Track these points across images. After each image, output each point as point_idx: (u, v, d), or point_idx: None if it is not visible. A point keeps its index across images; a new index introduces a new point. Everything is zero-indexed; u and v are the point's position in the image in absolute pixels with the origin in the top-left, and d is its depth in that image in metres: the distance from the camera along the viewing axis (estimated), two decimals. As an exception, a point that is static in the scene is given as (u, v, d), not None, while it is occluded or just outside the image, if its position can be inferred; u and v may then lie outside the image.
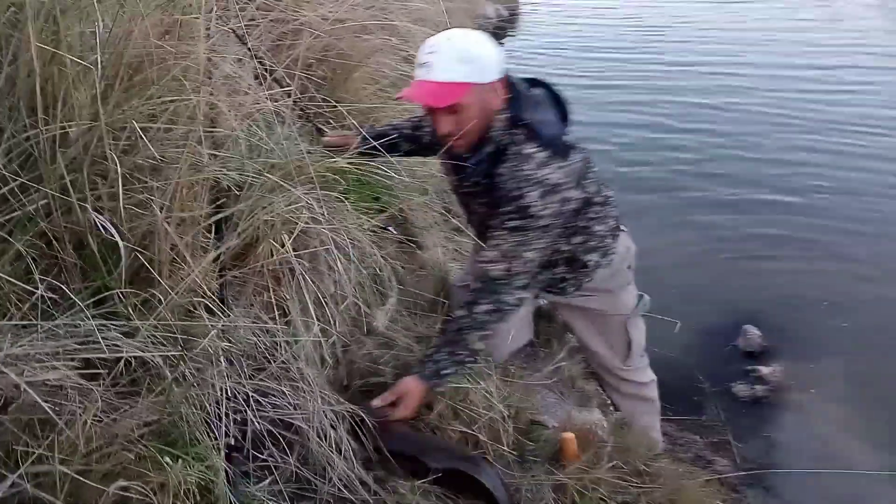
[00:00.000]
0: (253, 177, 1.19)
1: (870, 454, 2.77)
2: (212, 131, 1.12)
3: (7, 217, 0.99)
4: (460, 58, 1.58)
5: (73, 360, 0.94)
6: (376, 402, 1.55)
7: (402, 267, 1.87)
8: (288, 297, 1.46)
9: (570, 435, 1.63)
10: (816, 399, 3.11)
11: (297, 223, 1.38)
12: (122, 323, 1.03)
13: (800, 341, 3.49)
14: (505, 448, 1.57)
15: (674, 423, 2.81)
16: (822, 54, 8.29)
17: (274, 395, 1.33)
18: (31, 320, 0.94)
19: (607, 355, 2.12)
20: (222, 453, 1.16)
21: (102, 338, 0.99)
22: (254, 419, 1.24)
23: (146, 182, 1.03)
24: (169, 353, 0.98)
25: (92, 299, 1.03)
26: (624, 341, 2.10)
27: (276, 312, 1.45)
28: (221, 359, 1.11)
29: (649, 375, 2.24)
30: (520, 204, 1.61)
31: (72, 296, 0.91)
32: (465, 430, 1.56)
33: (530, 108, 1.67)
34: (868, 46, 8.55)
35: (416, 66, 1.64)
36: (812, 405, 3.07)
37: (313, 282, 1.50)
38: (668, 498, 1.40)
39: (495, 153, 1.66)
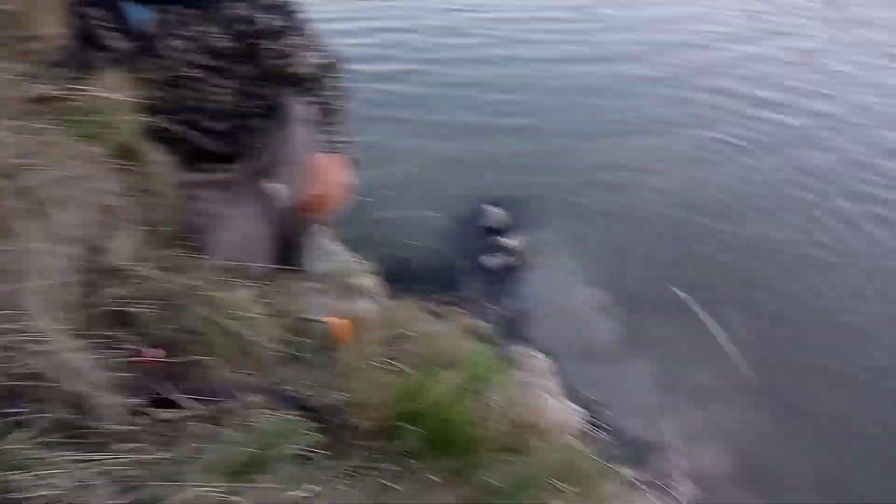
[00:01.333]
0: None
1: (594, 295, 3.35)
2: None
3: None
4: None
5: None
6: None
7: (135, 197, 1.79)
8: (11, 242, 1.35)
9: (340, 320, 1.75)
10: (551, 257, 3.64)
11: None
12: None
13: (536, 213, 4.01)
14: (277, 346, 1.64)
15: (439, 302, 3.11)
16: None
17: (15, 349, 1.25)
18: None
19: None
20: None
21: None
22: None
23: None
24: None
25: None
26: None
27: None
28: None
29: None
30: (268, 4, 1.67)
31: None
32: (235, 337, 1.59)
33: None
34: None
35: None
36: (548, 262, 3.60)
37: (38, 223, 1.39)
38: (425, 346, 1.60)
39: None
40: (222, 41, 1.70)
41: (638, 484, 1.44)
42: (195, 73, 1.74)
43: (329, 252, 2.40)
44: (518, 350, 2.63)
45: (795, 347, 3.01)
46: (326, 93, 1.77)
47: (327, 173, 1.73)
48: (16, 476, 1.13)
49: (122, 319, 1.62)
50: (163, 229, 1.85)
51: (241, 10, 1.67)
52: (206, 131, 1.84)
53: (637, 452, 1.90)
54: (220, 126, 1.85)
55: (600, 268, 3.51)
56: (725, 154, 4.68)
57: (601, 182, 4.30)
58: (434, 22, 6.86)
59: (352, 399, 1.45)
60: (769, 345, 2.96)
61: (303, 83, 1.81)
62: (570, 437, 1.61)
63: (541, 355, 2.57)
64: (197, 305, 1.64)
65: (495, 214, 3.90)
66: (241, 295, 1.71)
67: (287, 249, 2.04)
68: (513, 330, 3.00)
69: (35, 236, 1.42)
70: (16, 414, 1.23)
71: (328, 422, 1.45)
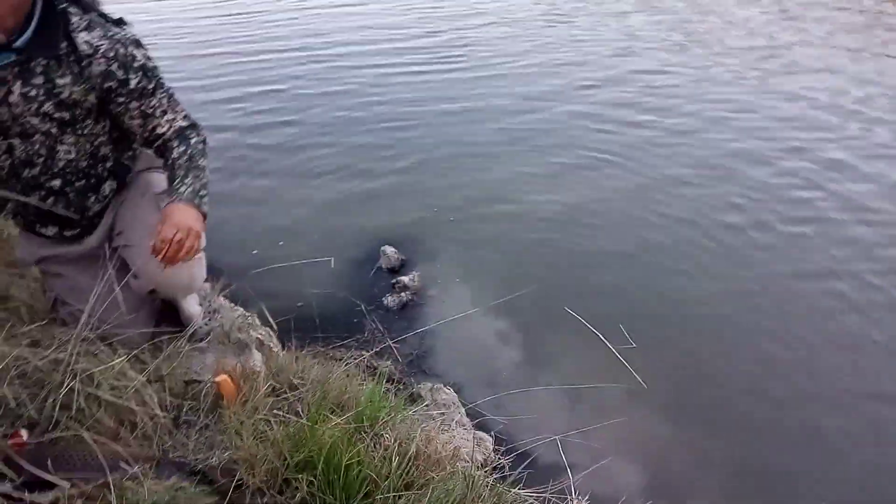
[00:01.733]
0: None
1: (492, 322, 3.41)
2: None
3: None
4: None
5: None
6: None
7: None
8: None
9: (222, 377, 1.70)
10: (447, 290, 3.70)
11: None
12: None
13: (428, 248, 4.07)
14: (160, 413, 1.57)
15: (342, 347, 3.06)
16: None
17: None
18: None
19: None
20: None
21: None
22: None
23: None
24: None
25: None
26: None
27: None
28: None
29: None
30: (137, 65, 1.66)
31: None
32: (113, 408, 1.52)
33: None
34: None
35: None
36: (445, 295, 3.65)
37: None
38: (317, 393, 1.58)
39: (49, 28, 1.57)
40: (74, 93, 1.62)
41: None
42: (42, 125, 1.64)
43: (215, 308, 2.33)
44: (423, 385, 2.63)
45: (684, 354, 3.18)
46: (182, 153, 1.72)
47: (168, 225, 1.60)
48: None
49: None
50: (20, 305, 1.75)
51: (99, 64, 1.62)
52: (51, 192, 1.74)
53: (539, 473, 1.93)
54: (66, 187, 1.75)
55: (494, 295, 3.58)
56: (598, 169, 4.97)
57: (485, 212, 4.43)
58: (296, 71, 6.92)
59: (241, 456, 1.41)
60: (660, 354, 3.11)
61: (158, 144, 1.76)
62: (472, 465, 1.62)
63: (446, 388, 2.58)
64: (67, 379, 1.55)
65: (391, 254, 3.92)
66: (116, 364, 1.64)
67: (162, 311, 1.97)
68: (417, 366, 3.01)
69: None
70: None
71: (219, 483, 1.40)
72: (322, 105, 6.11)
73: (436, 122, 5.76)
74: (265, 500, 1.35)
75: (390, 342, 3.12)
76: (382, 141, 5.42)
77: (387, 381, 2.48)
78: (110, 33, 1.63)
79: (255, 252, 3.94)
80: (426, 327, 3.34)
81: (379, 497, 1.28)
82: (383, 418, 1.49)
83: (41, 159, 1.69)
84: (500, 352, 3.15)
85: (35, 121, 1.62)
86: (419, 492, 1.31)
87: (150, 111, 1.72)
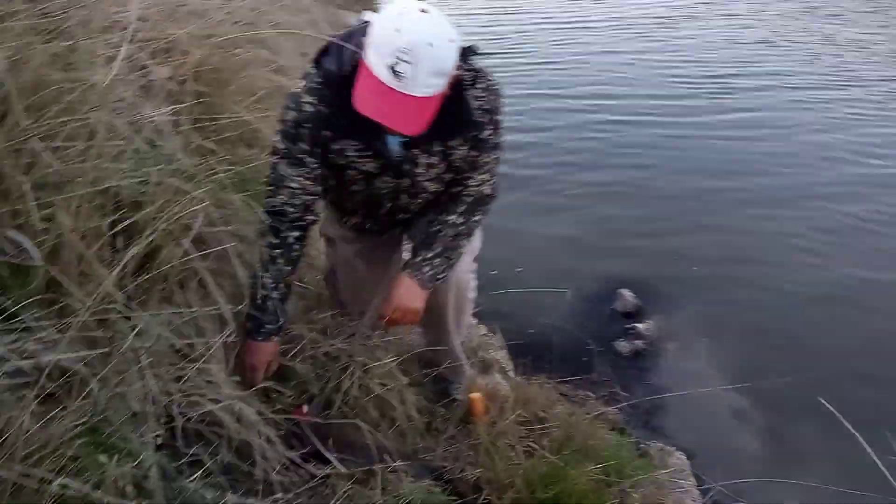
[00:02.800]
0: (153, 185, 1.25)
1: (733, 391, 3.14)
2: (110, 146, 1.16)
3: None
4: (438, 71, 1.42)
5: (-2, 371, 0.97)
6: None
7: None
8: (193, 300, 1.51)
9: (477, 395, 1.79)
10: (685, 347, 3.49)
11: (194, 228, 1.43)
12: (40, 335, 1.06)
13: (667, 297, 3.88)
14: (416, 416, 1.70)
15: (569, 384, 3.05)
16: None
17: (195, 394, 1.38)
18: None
19: None
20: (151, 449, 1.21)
21: (21, 350, 1.02)
22: (180, 416, 1.30)
23: (49, 199, 1.07)
24: (91, 355, 1.02)
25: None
26: None
27: (184, 317, 1.50)
28: (142, 358, 1.16)
29: None
30: (494, 118, 1.67)
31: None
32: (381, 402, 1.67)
33: None
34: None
35: (378, 61, 1.40)
36: (682, 352, 3.44)
37: (217, 283, 1.56)
38: (564, 435, 1.58)
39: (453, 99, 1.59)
40: (463, 153, 1.69)
41: None
42: (432, 186, 1.76)
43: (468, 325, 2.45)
44: (653, 444, 2.51)
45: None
46: (451, 226, 1.74)
47: (390, 304, 1.70)
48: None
49: (281, 373, 1.75)
50: (321, 293, 2.00)
51: (477, 117, 1.65)
52: (405, 221, 1.92)
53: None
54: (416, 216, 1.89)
55: (736, 364, 3.30)
56: (881, 243, 4.35)
57: (736, 272, 4.09)
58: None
59: (490, 476, 1.46)
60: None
61: (454, 191, 1.78)
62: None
63: (677, 452, 2.44)
64: (348, 368, 1.74)
65: (628, 298, 3.81)
66: (387, 363, 1.80)
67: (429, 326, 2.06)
68: (647, 422, 2.88)
69: (214, 294, 1.59)
70: (191, 455, 1.36)
71: (467, 496, 1.47)
72: (570, 141, 6.13)
73: (684, 169, 5.48)
74: (508, 525, 1.39)
75: (621, 390, 3.03)
76: (628, 182, 5.29)
77: (616, 431, 2.41)
78: (488, 83, 1.65)
79: (494, 272, 4.07)
80: (659, 382, 3.19)
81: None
82: (630, 474, 1.45)
83: (413, 206, 1.84)
84: (739, 430, 2.89)
85: (430, 185, 1.75)
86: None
87: (477, 164, 1.71)
